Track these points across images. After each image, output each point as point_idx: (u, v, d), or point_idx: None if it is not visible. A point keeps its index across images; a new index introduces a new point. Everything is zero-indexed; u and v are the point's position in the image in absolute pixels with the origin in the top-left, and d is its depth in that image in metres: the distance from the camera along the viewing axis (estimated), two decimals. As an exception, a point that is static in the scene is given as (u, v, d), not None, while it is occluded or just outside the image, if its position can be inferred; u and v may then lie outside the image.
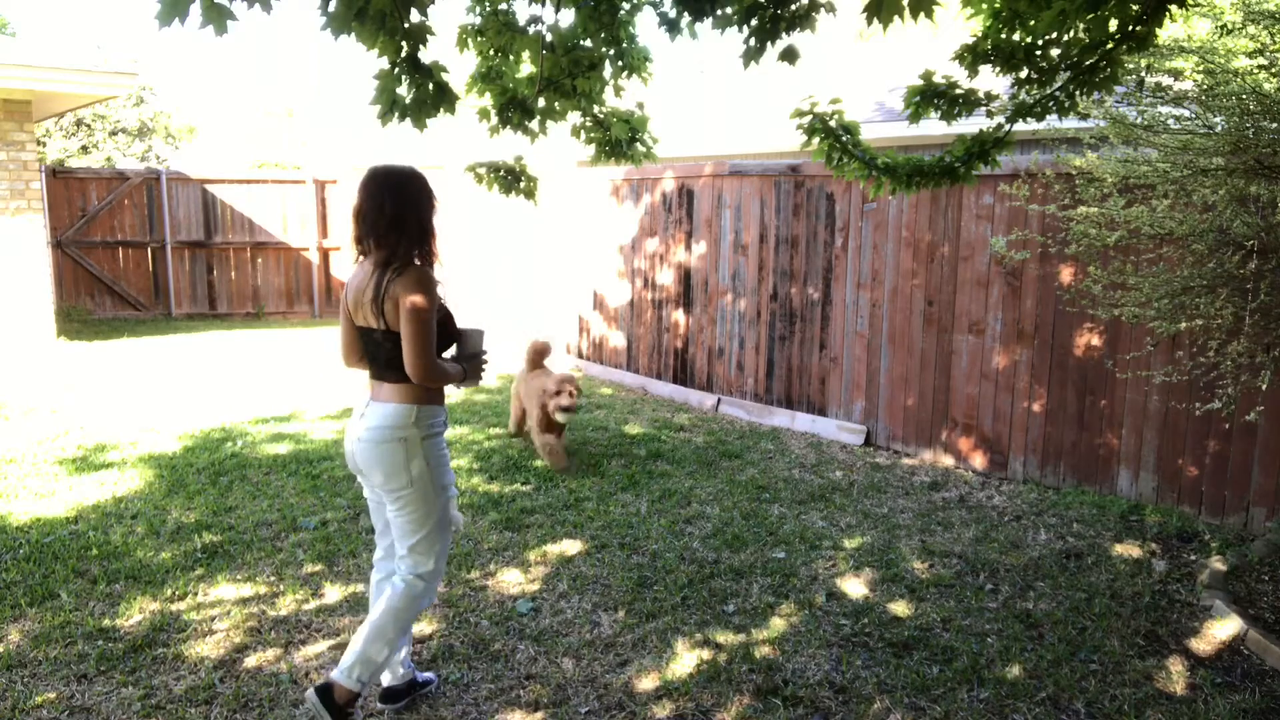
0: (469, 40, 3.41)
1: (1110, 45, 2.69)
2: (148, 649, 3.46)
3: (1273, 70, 3.71)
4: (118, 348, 10.21)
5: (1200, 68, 3.87)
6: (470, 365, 2.98)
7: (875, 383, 6.54)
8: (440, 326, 2.85)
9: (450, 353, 3.03)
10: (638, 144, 3.84)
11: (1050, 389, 5.55)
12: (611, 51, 3.46)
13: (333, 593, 3.97)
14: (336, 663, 3.39)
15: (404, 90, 2.83)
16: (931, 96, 3.10)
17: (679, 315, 8.12)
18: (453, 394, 8.14)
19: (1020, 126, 3.12)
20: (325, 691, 2.82)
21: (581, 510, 5.04)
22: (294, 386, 8.28)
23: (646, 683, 3.29)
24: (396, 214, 2.78)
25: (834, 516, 5.05)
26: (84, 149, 19.65)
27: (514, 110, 3.55)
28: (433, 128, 3.04)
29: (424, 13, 2.63)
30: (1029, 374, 5.64)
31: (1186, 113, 4.07)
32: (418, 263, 2.83)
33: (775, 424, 7.12)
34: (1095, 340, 5.31)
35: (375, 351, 2.88)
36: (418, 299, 2.73)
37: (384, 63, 2.75)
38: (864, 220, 6.50)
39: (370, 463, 2.85)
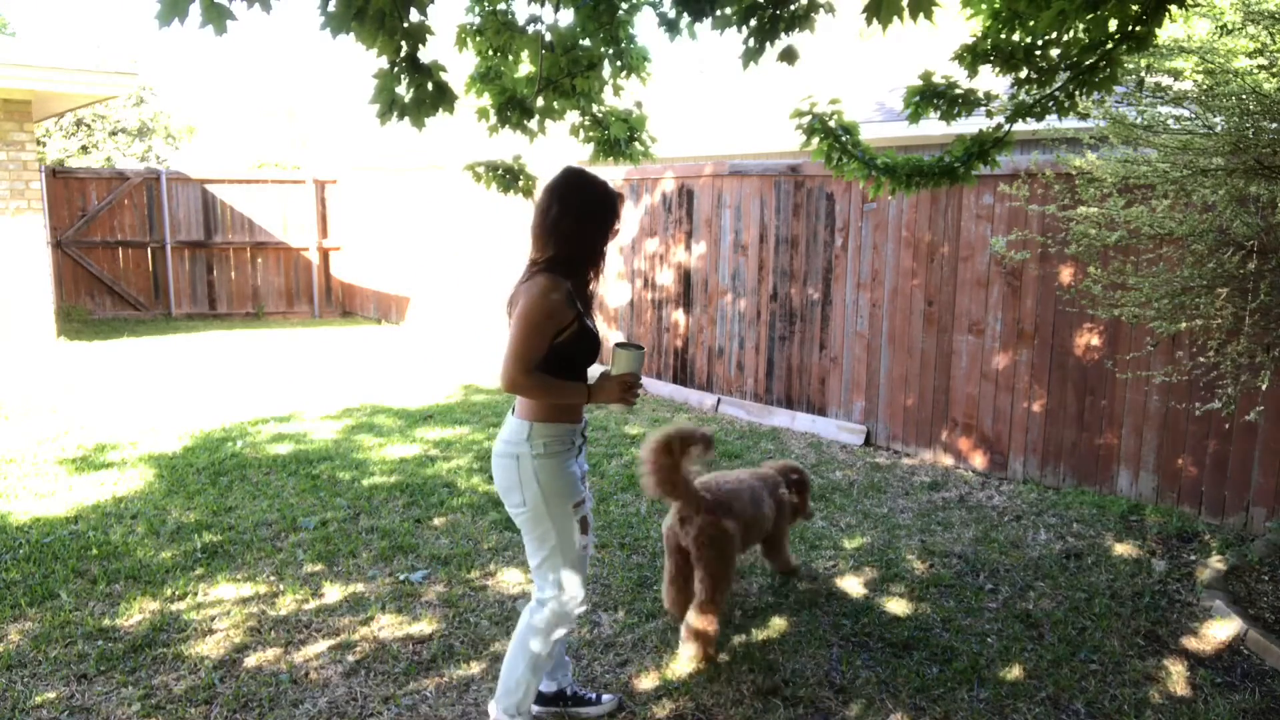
0: (468, 40, 3.42)
1: (1110, 45, 2.69)
2: (148, 649, 3.46)
3: (1273, 70, 3.70)
4: (118, 348, 10.22)
5: (1200, 68, 3.87)
6: (607, 388, 2.73)
7: (875, 383, 6.54)
8: (577, 343, 2.69)
9: (598, 369, 2.83)
10: (636, 143, 3.84)
11: (1050, 389, 5.55)
12: (610, 51, 3.46)
13: (333, 593, 3.97)
14: (336, 662, 3.40)
15: (403, 90, 2.83)
16: (931, 96, 3.09)
17: (679, 315, 8.12)
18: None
19: (1020, 126, 3.12)
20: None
21: (581, 510, 5.04)
22: (294, 386, 8.28)
23: (646, 683, 3.29)
24: (557, 220, 2.67)
25: (834, 516, 5.05)
26: (84, 149, 19.66)
27: (513, 110, 3.55)
28: (433, 127, 3.03)
29: (423, 12, 2.63)
30: (1029, 374, 5.64)
31: (1186, 113, 4.07)
32: (555, 272, 2.66)
33: (775, 424, 7.12)
34: (1095, 340, 5.31)
35: None
36: (530, 300, 2.60)
37: (383, 62, 2.75)
38: (864, 220, 6.50)
39: (495, 477, 2.79)
